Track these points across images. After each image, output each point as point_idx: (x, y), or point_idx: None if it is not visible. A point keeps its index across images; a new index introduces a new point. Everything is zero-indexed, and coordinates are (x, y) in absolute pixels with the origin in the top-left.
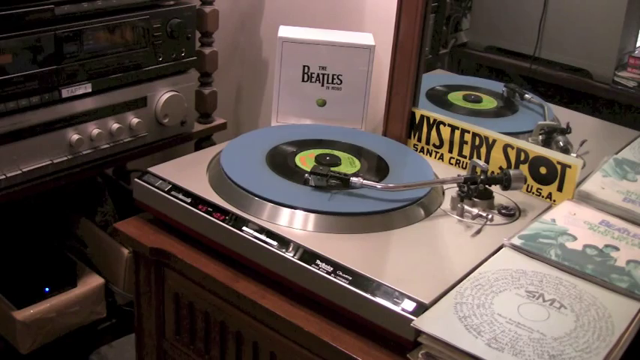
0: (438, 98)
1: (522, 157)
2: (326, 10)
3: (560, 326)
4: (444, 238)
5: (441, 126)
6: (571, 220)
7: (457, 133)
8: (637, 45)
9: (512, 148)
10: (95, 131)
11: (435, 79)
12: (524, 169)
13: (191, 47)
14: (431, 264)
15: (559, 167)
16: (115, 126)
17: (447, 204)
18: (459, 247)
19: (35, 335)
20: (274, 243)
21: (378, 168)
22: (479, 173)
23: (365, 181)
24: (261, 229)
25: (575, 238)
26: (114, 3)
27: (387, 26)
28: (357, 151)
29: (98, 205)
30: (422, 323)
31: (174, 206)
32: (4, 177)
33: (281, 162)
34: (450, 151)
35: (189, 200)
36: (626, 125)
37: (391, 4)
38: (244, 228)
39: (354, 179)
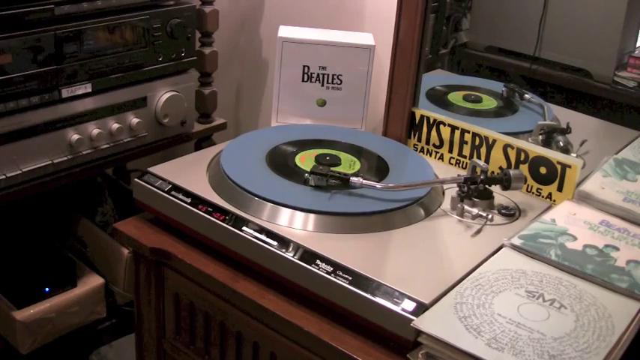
0: (438, 98)
1: (522, 157)
2: (326, 10)
3: (560, 326)
4: (444, 238)
5: (441, 126)
6: (571, 220)
7: (457, 133)
8: (637, 45)
9: (512, 148)
10: (95, 131)
11: (435, 79)
12: (524, 169)
13: (191, 47)
14: (431, 264)
15: (559, 167)
16: (115, 126)
17: (447, 204)
18: (459, 247)
19: (35, 335)
20: (274, 243)
21: (378, 168)
22: (479, 173)
23: (365, 181)
24: (261, 229)
25: (575, 238)
26: (114, 3)
27: (387, 26)
28: (357, 151)
29: (98, 205)
30: (422, 323)
31: (174, 206)
32: (4, 177)
33: (281, 162)
34: (450, 151)
35: (189, 200)
36: (626, 125)
37: (391, 4)
38: (244, 228)
39: (354, 179)
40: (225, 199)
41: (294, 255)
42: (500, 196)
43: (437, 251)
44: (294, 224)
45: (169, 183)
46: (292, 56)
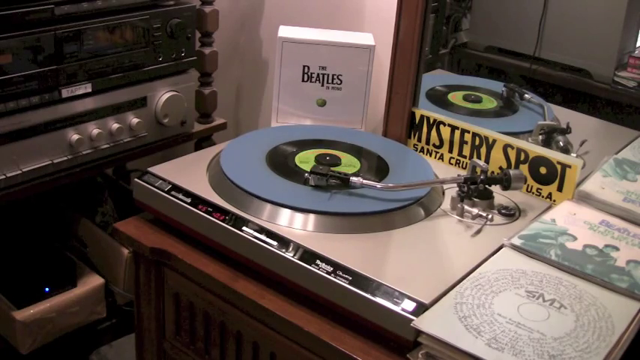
0: (438, 98)
1: (522, 157)
2: (326, 10)
3: (560, 326)
4: (444, 238)
5: (441, 126)
6: (571, 220)
7: (457, 133)
8: (637, 45)
9: (512, 148)
10: (95, 131)
11: (435, 79)
12: (524, 169)
13: (191, 47)
14: (431, 264)
15: (559, 167)
16: (115, 126)
17: (447, 204)
18: (459, 247)
19: (35, 335)
20: (274, 243)
21: (378, 168)
22: (479, 173)
23: (365, 181)
24: (261, 229)
25: (575, 238)
26: (114, 3)
27: (387, 26)
28: (357, 151)
29: (98, 205)
30: (422, 323)
31: (174, 206)
32: (4, 177)
33: (281, 162)
34: (450, 151)
35: (189, 200)
36: (626, 125)
37: (391, 4)
38: (244, 228)
39: (354, 179)
40: (225, 199)
41: (294, 255)
42: (500, 196)
43: (437, 251)
44: (294, 224)
45: (169, 183)
46: (292, 56)
